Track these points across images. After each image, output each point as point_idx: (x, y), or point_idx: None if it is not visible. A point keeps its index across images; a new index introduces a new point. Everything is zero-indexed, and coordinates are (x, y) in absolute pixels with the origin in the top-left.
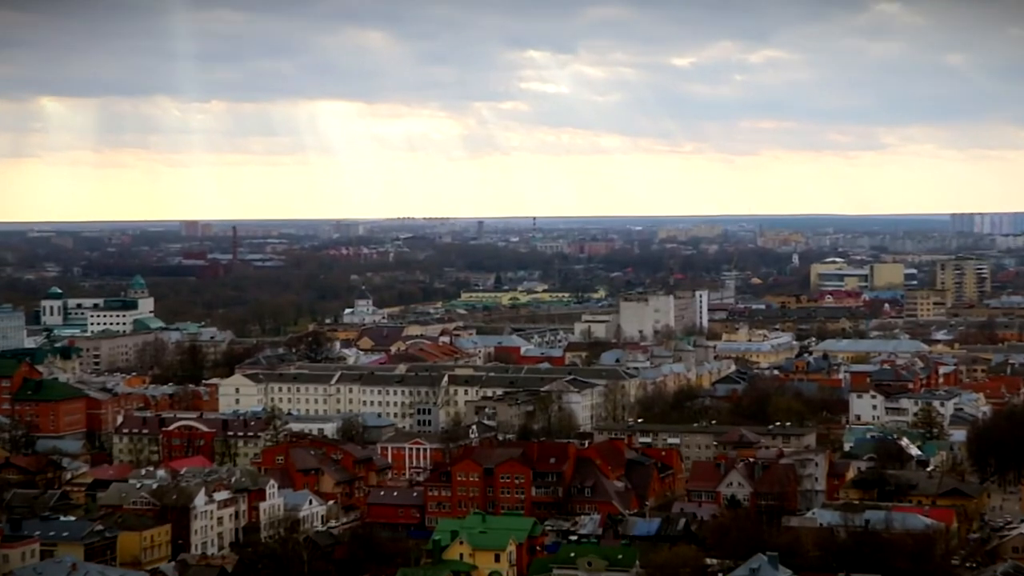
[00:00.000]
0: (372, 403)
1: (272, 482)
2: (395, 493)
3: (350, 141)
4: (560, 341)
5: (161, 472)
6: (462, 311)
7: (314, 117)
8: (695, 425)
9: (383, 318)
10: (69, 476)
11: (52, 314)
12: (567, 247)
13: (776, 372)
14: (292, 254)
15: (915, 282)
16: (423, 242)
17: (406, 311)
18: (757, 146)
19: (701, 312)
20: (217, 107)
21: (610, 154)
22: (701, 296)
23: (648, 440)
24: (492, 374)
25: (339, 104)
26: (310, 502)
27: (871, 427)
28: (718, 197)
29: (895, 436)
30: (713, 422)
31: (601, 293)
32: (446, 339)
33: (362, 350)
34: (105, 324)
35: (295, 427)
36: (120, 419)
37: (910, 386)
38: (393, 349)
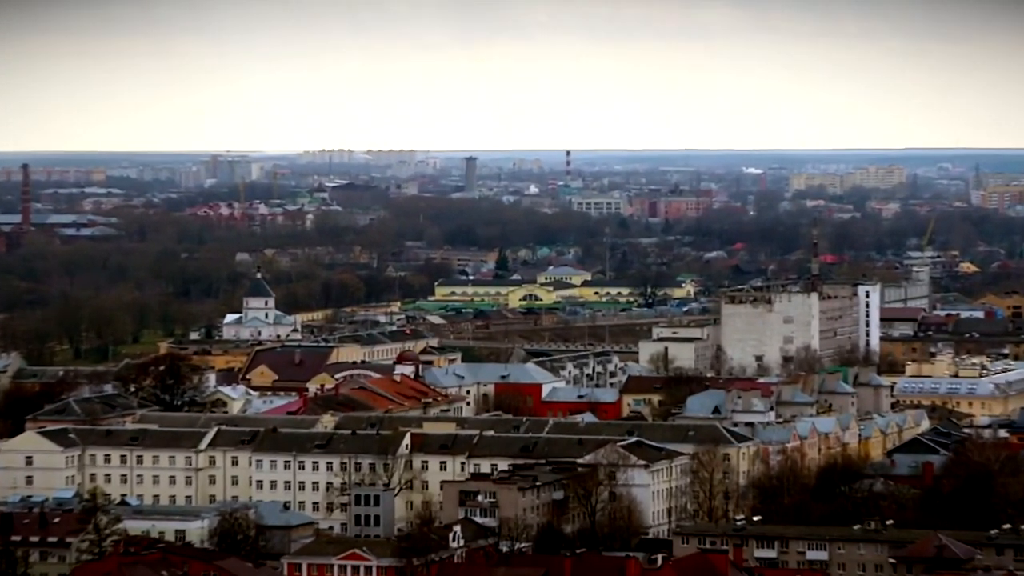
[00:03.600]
0: (274, 484)
1: None
2: None
3: (241, 13)
4: (614, 375)
5: None
6: (436, 319)
7: None
8: (856, 528)
9: (295, 331)
10: None
11: None
12: (628, 205)
13: (1004, 433)
14: (130, 215)
15: None
16: (368, 195)
17: (335, 319)
18: (966, 26)
19: (868, 324)
20: None
21: (708, 39)
22: (869, 295)
23: (771, 554)
24: (490, 433)
25: None
26: None
27: None
28: (901, 117)
29: None
30: (889, 522)
31: (687, 288)
32: (407, 370)
33: (256, 390)
34: None
35: (134, 526)
36: None
37: None
38: (312, 387)
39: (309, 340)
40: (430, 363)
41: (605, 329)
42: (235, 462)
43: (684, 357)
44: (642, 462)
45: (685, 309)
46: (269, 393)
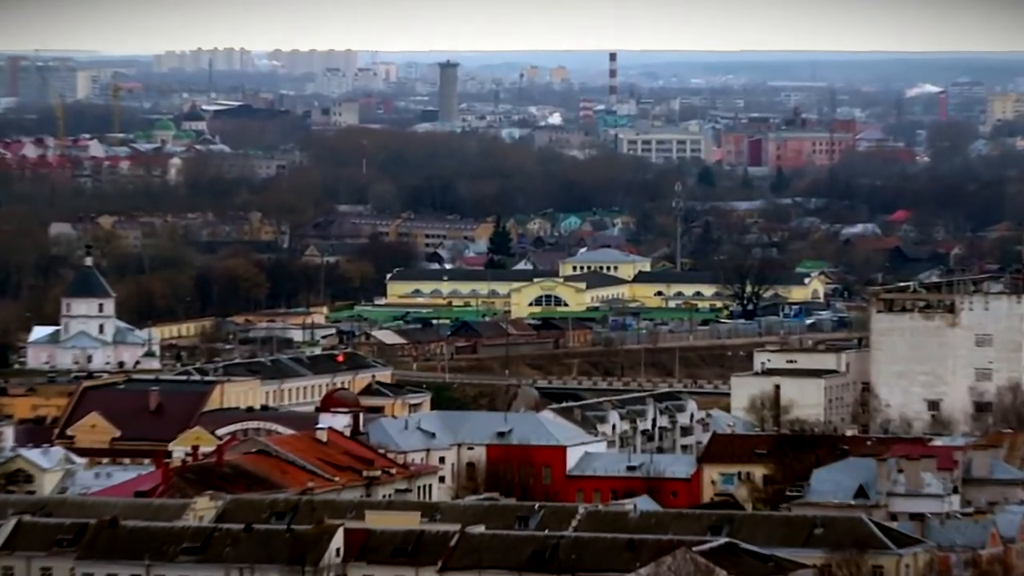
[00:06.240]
0: None
1: None
2: None
3: None
4: (689, 432)
5: None
6: (389, 337)
7: None
8: None
9: (149, 354)
10: None
11: None
12: (714, 145)
13: None
14: None
15: None
16: (275, 126)
17: (218, 334)
18: None
19: None
20: None
21: None
22: None
23: None
24: (482, 531)
25: None
26: None
27: None
28: None
29: None
30: None
31: (813, 287)
32: (339, 422)
33: (84, 455)
34: None
35: None
36: None
37: None
38: (178, 451)
39: (174, 371)
40: (379, 410)
41: (674, 354)
42: None
43: (808, 402)
44: None
45: (809, 322)
46: (105, 460)
